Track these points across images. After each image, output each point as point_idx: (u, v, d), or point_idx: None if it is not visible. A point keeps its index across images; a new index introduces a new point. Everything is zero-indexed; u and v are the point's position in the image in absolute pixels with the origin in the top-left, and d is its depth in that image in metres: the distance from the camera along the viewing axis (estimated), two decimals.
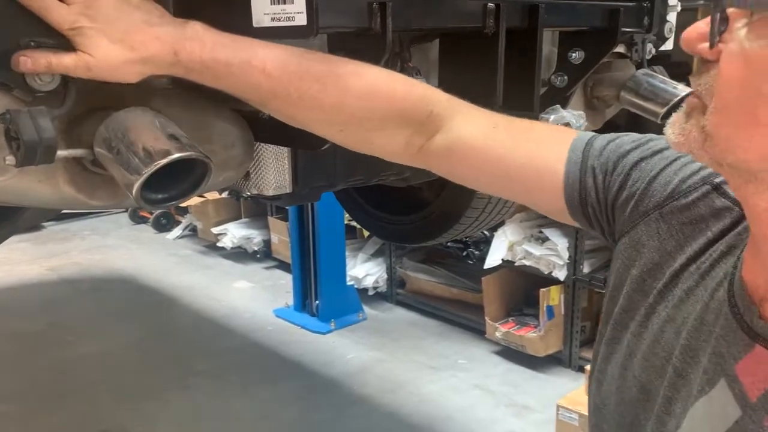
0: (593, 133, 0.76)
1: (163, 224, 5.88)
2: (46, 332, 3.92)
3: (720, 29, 0.51)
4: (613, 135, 0.76)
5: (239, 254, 5.20)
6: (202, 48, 0.73)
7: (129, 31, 0.71)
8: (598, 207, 0.74)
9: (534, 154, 0.76)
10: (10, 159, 0.75)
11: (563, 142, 0.76)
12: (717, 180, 0.67)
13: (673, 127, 0.57)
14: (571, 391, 3.01)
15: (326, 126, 0.81)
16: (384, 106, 0.78)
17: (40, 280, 4.74)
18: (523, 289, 3.74)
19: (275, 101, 0.78)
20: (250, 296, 4.54)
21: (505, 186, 0.80)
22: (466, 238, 3.69)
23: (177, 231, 5.77)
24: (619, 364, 0.69)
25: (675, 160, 0.70)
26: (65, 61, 0.72)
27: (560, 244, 3.40)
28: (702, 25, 0.53)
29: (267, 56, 0.75)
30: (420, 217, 2.23)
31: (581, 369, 3.23)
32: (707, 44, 0.52)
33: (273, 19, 0.80)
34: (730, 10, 0.51)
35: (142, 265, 5.06)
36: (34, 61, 0.72)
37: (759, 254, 0.57)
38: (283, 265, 4.88)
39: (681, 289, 0.65)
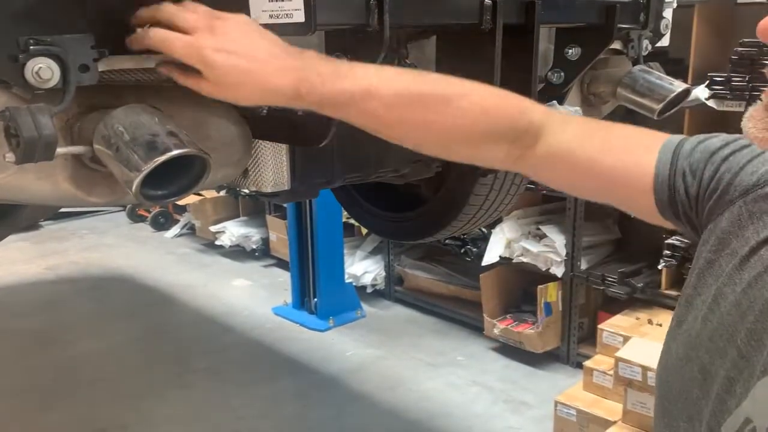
0: (684, 136, 0.78)
1: (162, 223, 5.88)
2: (45, 331, 3.93)
3: None
4: (702, 136, 0.78)
5: (237, 252, 5.21)
6: (322, 82, 0.74)
7: (257, 64, 0.73)
8: (687, 204, 0.75)
9: (625, 156, 0.78)
10: (10, 156, 0.76)
11: (654, 145, 0.78)
12: None
13: (754, 121, 0.57)
14: (569, 387, 3.03)
15: (435, 146, 0.84)
16: (489, 122, 0.81)
17: (39, 279, 4.74)
18: (521, 285, 3.75)
19: (390, 129, 0.80)
20: (249, 294, 4.54)
21: (599, 189, 0.82)
22: (464, 235, 3.70)
23: (175, 229, 5.77)
24: (683, 343, 0.70)
25: (763, 152, 0.71)
26: (189, 80, 0.75)
27: (558, 240, 3.41)
28: None
29: (382, 84, 0.76)
30: (418, 214, 2.23)
31: (579, 365, 3.24)
32: None
33: (271, 16, 0.81)
34: None
35: (141, 263, 5.06)
36: (167, 69, 0.77)
37: None
38: (281, 263, 4.88)
39: (750, 273, 0.65)
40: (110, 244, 5.54)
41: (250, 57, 0.73)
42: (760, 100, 0.57)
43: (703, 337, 0.67)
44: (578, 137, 0.81)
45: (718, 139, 0.76)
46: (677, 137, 0.78)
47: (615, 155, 0.78)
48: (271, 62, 0.73)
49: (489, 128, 0.80)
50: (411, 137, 0.82)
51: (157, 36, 0.74)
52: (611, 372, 2.78)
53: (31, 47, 0.75)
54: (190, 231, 5.69)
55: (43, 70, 0.75)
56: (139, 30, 0.77)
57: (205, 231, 5.39)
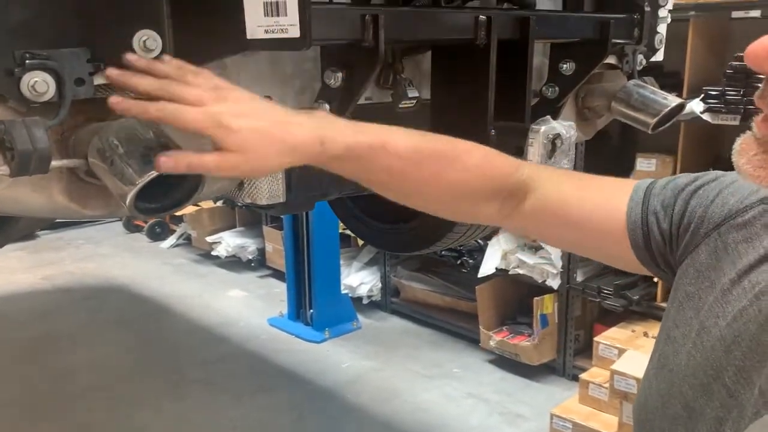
0: (653, 178, 0.80)
1: (158, 233, 5.87)
2: (41, 340, 3.91)
3: None
4: (671, 177, 0.80)
5: (234, 263, 5.20)
6: (342, 134, 0.74)
7: (277, 122, 0.71)
8: (662, 242, 0.76)
9: (598, 201, 0.81)
10: (4, 169, 0.76)
11: (625, 188, 0.80)
12: None
13: (747, 156, 0.55)
14: (564, 399, 3.02)
15: (440, 203, 0.86)
16: (489, 180, 0.84)
17: (35, 289, 4.72)
18: (517, 297, 3.75)
19: (402, 183, 0.81)
20: (244, 305, 4.53)
21: (582, 240, 0.84)
22: (460, 246, 3.70)
23: (171, 240, 5.76)
24: (665, 379, 0.69)
25: (732, 183, 0.72)
26: (207, 163, 0.70)
27: (554, 252, 3.41)
28: None
29: (397, 139, 0.78)
30: (414, 225, 2.23)
31: (575, 378, 3.23)
32: None
33: (266, 31, 0.81)
34: None
35: (136, 273, 5.05)
36: (176, 162, 0.70)
37: None
38: (277, 274, 4.88)
39: (734, 307, 0.64)
40: (106, 254, 5.52)
41: (267, 118, 0.71)
42: (750, 129, 0.55)
43: (686, 372, 0.65)
44: (559, 190, 0.83)
45: (686, 176, 0.78)
46: (647, 180, 0.80)
47: (589, 200, 0.81)
48: (289, 120, 0.72)
49: (489, 184, 0.84)
50: (420, 193, 0.83)
51: (168, 110, 0.70)
52: (607, 385, 2.78)
53: (27, 61, 0.75)
54: (187, 241, 5.68)
55: (39, 83, 0.76)
56: (139, 102, 0.72)
57: (201, 241, 5.38)
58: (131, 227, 6.08)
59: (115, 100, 0.71)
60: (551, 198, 0.83)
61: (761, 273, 0.64)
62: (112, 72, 0.75)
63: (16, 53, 0.75)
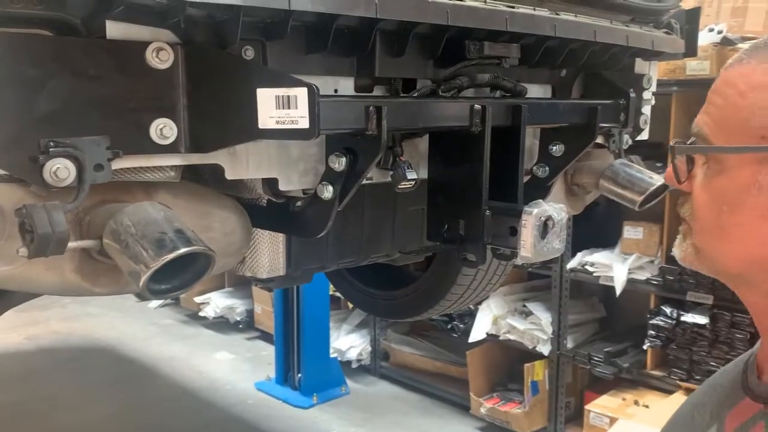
0: None
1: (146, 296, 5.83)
2: (23, 404, 3.81)
3: (689, 167, 0.69)
4: None
5: (221, 324, 5.15)
6: None
7: None
8: None
9: None
10: (23, 250, 0.79)
11: None
12: None
13: (678, 247, 0.73)
14: None
15: None
16: None
17: (18, 350, 4.64)
18: (508, 363, 3.74)
19: None
20: (231, 368, 4.46)
21: None
22: (451, 312, 3.70)
23: (159, 300, 5.72)
24: None
25: None
26: None
27: (544, 318, 3.43)
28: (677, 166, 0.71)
29: None
30: (406, 292, 2.25)
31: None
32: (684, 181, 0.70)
33: (278, 122, 0.86)
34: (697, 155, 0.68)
35: (123, 334, 4.98)
36: None
37: (765, 338, 0.73)
38: (265, 336, 4.83)
39: None
40: (93, 314, 5.46)
41: None
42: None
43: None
44: None
45: None
46: None
47: None
48: None
49: None
50: None
51: None
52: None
53: (51, 149, 0.79)
54: (175, 301, 5.63)
55: (61, 170, 0.80)
56: None
57: (189, 301, 5.34)
58: None
59: None
60: None
61: None
62: None
63: (41, 141, 0.79)
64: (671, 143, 0.71)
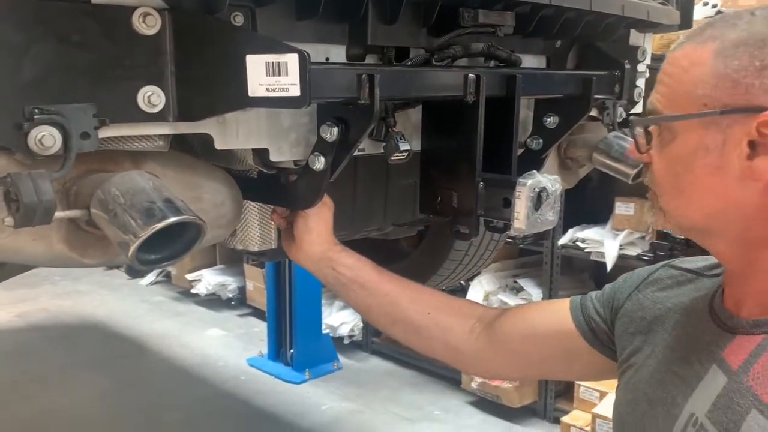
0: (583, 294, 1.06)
1: (137, 270, 5.81)
2: (13, 382, 3.81)
3: (648, 139, 0.80)
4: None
5: (213, 301, 5.15)
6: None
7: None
8: (604, 326, 0.99)
9: (546, 315, 1.07)
10: (9, 220, 0.77)
11: (561, 304, 1.06)
12: (671, 261, 0.98)
13: (649, 213, 0.87)
14: None
15: (409, 331, 1.12)
16: (451, 311, 1.12)
17: (7, 327, 4.63)
18: None
19: (370, 309, 1.14)
20: (223, 344, 4.48)
21: (541, 352, 1.06)
22: (443, 288, 3.71)
23: (150, 277, 5.70)
24: (632, 390, 0.89)
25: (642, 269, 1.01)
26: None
27: (534, 294, 3.45)
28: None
29: (365, 271, 1.13)
30: (398, 268, 2.25)
31: (556, 420, 3.23)
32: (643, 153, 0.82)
33: (268, 90, 0.84)
34: (651, 127, 0.80)
35: (114, 311, 4.97)
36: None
37: (731, 283, 0.82)
38: (257, 313, 4.84)
39: (670, 325, 0.89)
40: (83, 291, 5.44)
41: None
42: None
43: (647, 378, 0.87)
44: (507, 320, 1.08)
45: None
46: (578, 296, 1.06)
47: (537, 322, 1.07)
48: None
49: (454, 314, 1.11)
50: (393, 313, 1.12)
51: None
52: (588, 428, 2.79)
53: (36, 116, 0.77)
54: (166, 278, 5.63)
55: (46, 138, 0.78)
56: None
57: (180, 279, 5.33)
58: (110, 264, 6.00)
59: None
60: (504, 328, 1.06)
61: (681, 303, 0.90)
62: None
63: (26, 108, 0.77)
64: (630, 118, 0.83)
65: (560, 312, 1.04)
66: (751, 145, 0.71)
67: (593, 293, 1.04)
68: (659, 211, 0.81)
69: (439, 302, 1.13)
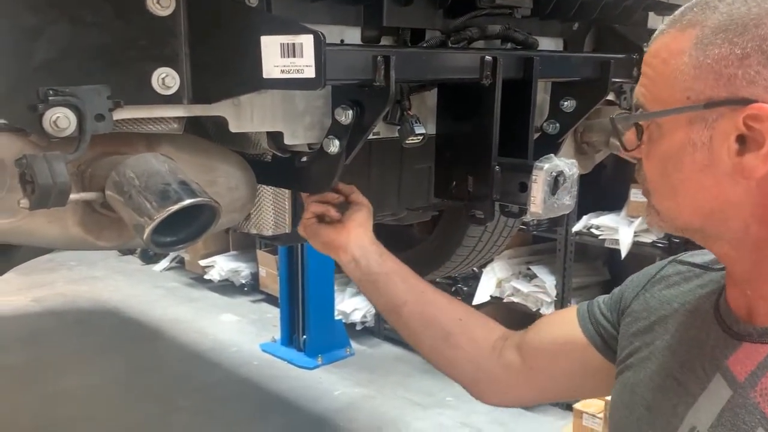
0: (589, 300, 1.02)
1: (151, 256, 5.85)
2: (29, 366, 3.86)
3: (639, 135, 0.74)
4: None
5: (226, 287, 5.18)
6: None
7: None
8: (613, 331, 0.94)
9: (556, 329, 1.04)
10: (24, 202, 0.77)
11: (570, 314, 1.02)
12: (679, 256, 0.92)
13: (644, 213, 0.79)
14: (558, 429, 3.02)
15: (437, 337, 1.10)
16: (477, 322, 1.11)
17: (24, 312, 4.68)
18: (511, 325, 3.74)
19: (405, 306, 1.09)
20: (237, 330, 4.50)
21: (560, 365, 1.01)
22: (455, 275, 3.71)
23: (164, 263, 5.74)
24: (629, 392, 0.85)
25: (647, 270, 0.96)
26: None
27: (548, 281, 3.43)
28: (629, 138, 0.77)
29: (404, 268, 1.10)
30: (411, 254, 2.24)
31: (569, 407, 3.23)
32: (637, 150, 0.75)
33: (282, 71, 0.83)
34: (642, 123, 0.73)
35: (128, 297, 5.02)
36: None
37: (736, 285, 0.76)
38: (270, 299, 4.86)
39: (672, 326, 0.84)
40: (99, 277, 5.49)
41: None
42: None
43: (645, 380, 0.83)
44: (520, 338, 1.06)
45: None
46: (585, 302, 1.02)
47: (547, 334, 1.05)
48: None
49: (474, 327, 1.10)
50: (416, 311, 1.10)
51: None
52: (600, 415, 2.78)
53: (51, 98, 0.77)
54: (180, 264, 5.66)
55: (61, 119, 0.77)
56: None
57: (194, 265, 5.37)
58: (124, 250, 6.06)
59: None
60: (532, 345, 1.04)
61: (687, 301, 0.85)
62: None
63: (40, 90, 0.76)
64: (611, 116, 0.78)
65: (568, 321, 1.00)
66: (740, 139, 0.66)
67: (600, 297, 1.00)
68: (652, 209, 0.76)
69: (468, 311, 1.11)
